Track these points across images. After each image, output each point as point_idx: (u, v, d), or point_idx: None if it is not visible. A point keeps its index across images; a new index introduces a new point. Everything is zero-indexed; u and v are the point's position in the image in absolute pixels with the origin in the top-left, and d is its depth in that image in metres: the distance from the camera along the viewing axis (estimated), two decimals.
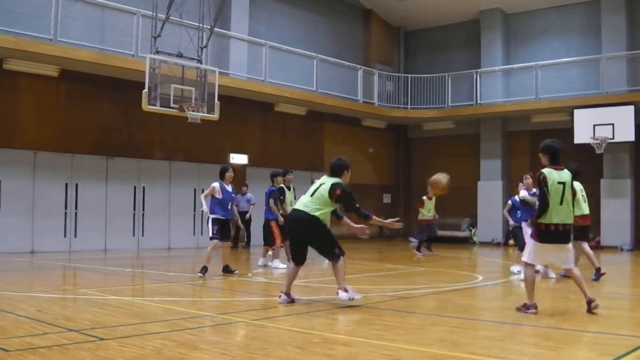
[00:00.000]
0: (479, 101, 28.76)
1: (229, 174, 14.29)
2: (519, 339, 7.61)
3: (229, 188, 14.21)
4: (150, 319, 8.47)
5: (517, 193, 15.73)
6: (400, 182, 32.26)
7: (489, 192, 28.57)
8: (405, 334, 7.66)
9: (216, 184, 13.94)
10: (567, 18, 28.38)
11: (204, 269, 13.53)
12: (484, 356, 6.40)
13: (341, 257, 9.76)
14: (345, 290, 9.61)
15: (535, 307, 8.98)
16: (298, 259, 10.05)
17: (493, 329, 8.25)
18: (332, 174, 10.03)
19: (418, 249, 21.25)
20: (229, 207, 14.25)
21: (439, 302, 10.76)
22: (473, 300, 11.53)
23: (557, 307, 9.88)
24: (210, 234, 13.90)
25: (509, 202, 16.19)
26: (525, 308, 9.03)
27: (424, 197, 21.29)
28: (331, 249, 9.80)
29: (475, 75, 28.96)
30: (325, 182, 9.93)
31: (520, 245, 15.48)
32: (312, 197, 9.86)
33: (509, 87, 28.83)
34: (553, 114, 27.05)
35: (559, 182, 9.01)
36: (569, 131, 25.40)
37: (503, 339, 7.54)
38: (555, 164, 9.19)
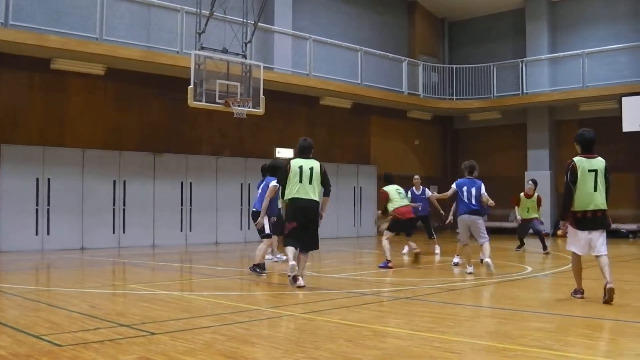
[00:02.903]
0: (525, 91, 28.49)
1: None
2: (572, 330, 7.49)
3: None
4: (200, 313, 8.51)
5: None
6: (447, 173, 32.05)
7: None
8: (456, 326, 7.61)
9: (275, 183, 12.63)
10: (614, 5, 27.96)
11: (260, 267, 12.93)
12: (537, 348, 6.31)
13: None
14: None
15: (582, 292, 9.54)
16: (310, 245, 11.00)
17: (545, 320, 8.14)
18: (306, 155, 11.14)
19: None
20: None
21: (489, 294, 10.69)
22: (523, 291, 11.40)
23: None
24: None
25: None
26: (574, 293, 9.60)
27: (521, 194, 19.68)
28: (318, 238, 11.06)
29: (521, 65, 28.67)
30: (312, 165, 10.95)
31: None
32: (312, 184, 10.85)
33: (556, 76, 28.44)
34: (601, 102, 26.69)
35: (590, 170, 9.20)
36: (617, 119, 25.06)
37: (556, 330, 7.43)
38: (587, 152, 9.38)
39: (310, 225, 10.87)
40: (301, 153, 11.20)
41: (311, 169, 10.88)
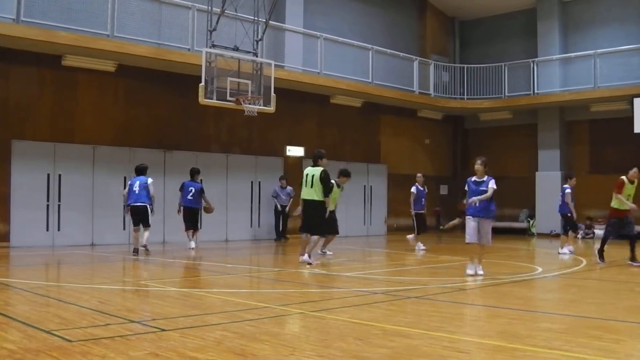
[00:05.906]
0: (536, 91, 28.40)
1: None
2: (581, 332, 7.47)
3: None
4: (210, 311, 8.53)
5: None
6: (457, 173, 31.99)
7: (548, 183, 28.14)
8: (465, 326, 7.61)
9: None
10: (625, 5, 27.82)
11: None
12: (545, 349, 6.30)
13: (320, 236, 14.92)
14: (309, 256, 14.08)
15: None
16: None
17: (554, 321, 8.13)
18: (314, 164, 14.43)
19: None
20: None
21: (498, 294, 10.65)
22: (533, 292, 11.39)
23: (621, 300, 9.72)
24: None
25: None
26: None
27: (624, 177, 15.76)
28: (320, 226, 14.50)
29: (532, 65, 28.59)
30: (314, 172, 14.21)
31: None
32: (312, 187, 14.14)
33: (567, 76, 28.33)
34: (612, 102, 26.54)
35: None
36: (628, 120, 24.97)
37: (565, 331, 7.41)
38: None
39: (311, 217, 14.42)
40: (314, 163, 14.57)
41: (313, 176, 14.24)
